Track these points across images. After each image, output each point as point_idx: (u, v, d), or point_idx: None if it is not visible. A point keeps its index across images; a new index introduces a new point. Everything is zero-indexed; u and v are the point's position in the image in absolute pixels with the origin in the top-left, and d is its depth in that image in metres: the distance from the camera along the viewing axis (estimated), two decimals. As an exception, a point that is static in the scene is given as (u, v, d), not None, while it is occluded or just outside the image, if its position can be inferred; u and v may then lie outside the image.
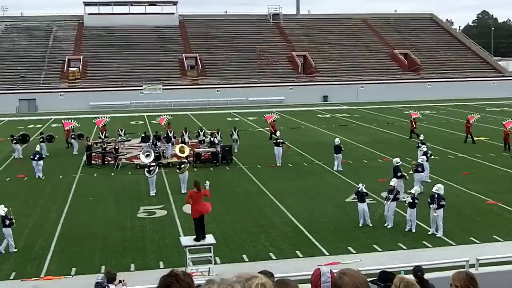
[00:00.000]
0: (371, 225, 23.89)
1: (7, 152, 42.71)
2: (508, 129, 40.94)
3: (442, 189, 23.28)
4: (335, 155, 35.37)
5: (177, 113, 68.62)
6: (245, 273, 2.68)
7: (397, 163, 28.78)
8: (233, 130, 43.35)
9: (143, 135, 44.46)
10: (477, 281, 6.21)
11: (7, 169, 38.00)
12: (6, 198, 29.65)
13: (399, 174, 27.70)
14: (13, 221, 21.94)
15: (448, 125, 52.90)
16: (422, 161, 29.97)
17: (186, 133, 42.35)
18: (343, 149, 35.47)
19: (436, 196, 22.62)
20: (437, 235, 22.52)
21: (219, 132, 41.33)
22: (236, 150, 41.23)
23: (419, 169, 28.94)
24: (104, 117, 51.27)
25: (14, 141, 41.15)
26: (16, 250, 21.79)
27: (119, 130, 44.21)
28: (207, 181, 21.71)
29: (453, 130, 49.20)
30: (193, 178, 23.34)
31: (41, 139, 41.84)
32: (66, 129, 45.23)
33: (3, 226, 21.73)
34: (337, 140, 36.08)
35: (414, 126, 46.52)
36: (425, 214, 23.41)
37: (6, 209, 22.23)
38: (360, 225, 23.96)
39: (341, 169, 34.93)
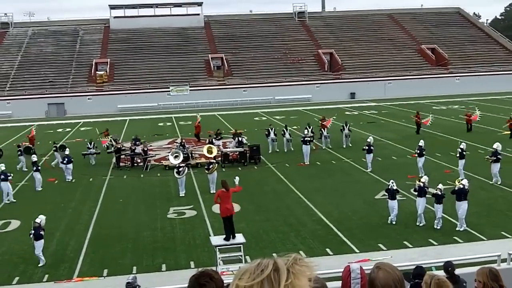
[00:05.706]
0: (394, 223, 23.69)
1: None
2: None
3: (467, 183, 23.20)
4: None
5: (204, 114, 68.83)
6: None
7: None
8: (344, 124, 43.92)
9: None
10: (499, 277, 6.10)
11: (38, 173, 38.23)
12: (38, 201, 30.09)
13: None
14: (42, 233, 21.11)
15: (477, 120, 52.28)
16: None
17: (287, 131, 42.62)
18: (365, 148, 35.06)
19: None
20: (461, 229, 22.38)
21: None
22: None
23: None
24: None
25: (19, 152, 39.37)
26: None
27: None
28: (236, 177, 21.77)
29: (482, 125, 48.63)
30: (222, 179, 23.33)
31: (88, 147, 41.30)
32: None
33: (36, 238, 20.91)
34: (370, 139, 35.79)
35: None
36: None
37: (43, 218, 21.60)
38: (393, 222, 23.80)
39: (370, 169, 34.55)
